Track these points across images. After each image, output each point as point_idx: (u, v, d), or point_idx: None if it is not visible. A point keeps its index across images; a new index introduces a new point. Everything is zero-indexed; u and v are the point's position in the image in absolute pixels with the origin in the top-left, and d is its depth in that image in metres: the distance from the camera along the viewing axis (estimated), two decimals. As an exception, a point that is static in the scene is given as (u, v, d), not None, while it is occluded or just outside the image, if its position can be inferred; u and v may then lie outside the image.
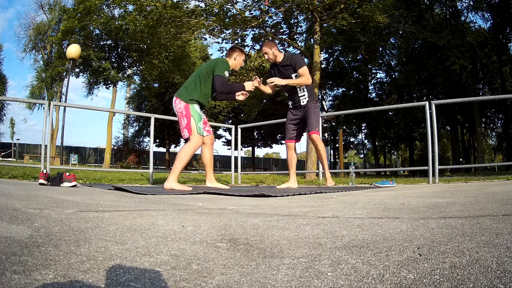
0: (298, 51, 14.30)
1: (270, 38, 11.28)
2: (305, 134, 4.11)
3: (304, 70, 3.63)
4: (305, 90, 3.76)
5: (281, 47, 14.01)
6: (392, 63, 22.26)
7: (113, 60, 19.55)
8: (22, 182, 3.79)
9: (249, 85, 3.56)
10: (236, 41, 11.65)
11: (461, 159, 21.71)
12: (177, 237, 0.99)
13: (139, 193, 2.71)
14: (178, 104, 3.38)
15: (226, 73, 3.39)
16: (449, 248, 0.81)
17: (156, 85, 21.58)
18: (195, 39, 16.79)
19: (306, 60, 15.13)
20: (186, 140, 3.39)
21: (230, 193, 2.82)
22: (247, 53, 3.58)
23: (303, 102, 3.78)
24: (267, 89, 3.85)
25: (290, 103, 3.93)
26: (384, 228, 1.10)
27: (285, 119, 4.03)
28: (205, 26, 10.32)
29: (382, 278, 0.63)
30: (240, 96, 3.66)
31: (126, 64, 19.94)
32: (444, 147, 36.02)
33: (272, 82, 3.68)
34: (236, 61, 3.58)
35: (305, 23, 12.80)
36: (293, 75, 3.68)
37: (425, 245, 0.85)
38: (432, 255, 0.76)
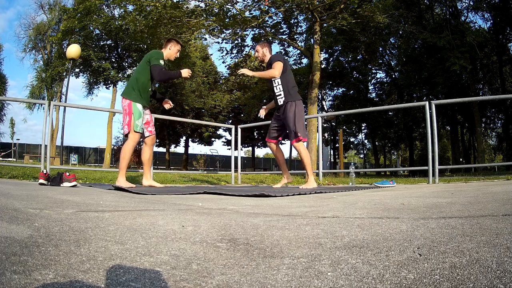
0: (298, 51, 14.33)
1: (270, 38, 11.28)
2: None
3: (275, 64, 3.62)
4: (281, 89, 3.67)
5: (281, 47, 14.02)
6: (392, 63, 22.24)
7: (113, 60, 19.54)
8: (22, 182, 3.79)
9: (185, 72, 3.61)
10: (236, 41, 11.67)
11: (461, 159, 21.70)
12: (177, 237, 0.99)
13: (139, 193, 2.72)
14: (123, 102, 3.59)
15: (161, 62, 3.58)
16: (449, 248, 0.81)
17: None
18: (195, 39, 16.78)
19: (306, 60, 15.18)
20: (126, 136, 3.58)
21: (230, 193, 2.82)
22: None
23: (279, 102, 3.70)
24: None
25: None
26: (384, 228, 1.10)
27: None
28: (205, 26, 10.33)
29: (382, 278, 0.63)
30: (185, 73, 3.67)
31: (126, 64, 19.93)
32: (444, 147, 36.02)
33: (241, 73, 3.69)
34: (170, 50, 3.70)
35: (305, 23, 12.80)
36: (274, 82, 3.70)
37: (425, 245, 0.85)
38: (432, 255, 0.76)
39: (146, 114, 3.70)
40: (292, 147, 3.93)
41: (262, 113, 4.08)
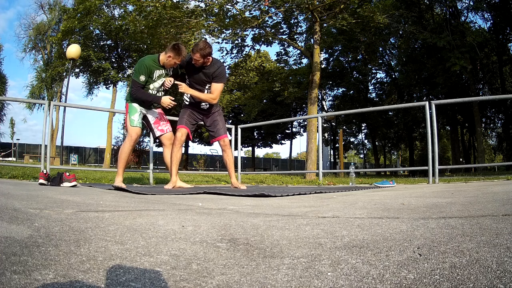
0: (298, 51, 14.33)
1: (270, 38, 11.26)
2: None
3: (218, 86, 3.43)
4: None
5: (281, 47, 14.02)
6: (392, 63, 22.24)
7: (113, 60, 19.56)
8: (22, 182, 3.79)
9: (166, 100, 3.37)
10: (236, 41, 11.67)
11: (461, 159, 21.70)
12: (177, 237, 0.99)
13: (139, 193, 2.72)
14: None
15: (142, 77, 3.29)
16: (449, 248, 0.81)
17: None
18: (195, 40, 16.78)
19: (306, 60, 15.17)
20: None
21: (230, 193, 2.82)
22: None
23: (202, 107, 3.65)
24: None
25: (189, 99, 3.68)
26: (384, 228, 1.10)
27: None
28: (205, 27, 10.34)
29: (382, 278, 0.63)
30: (165, 102, 3.42)
31: (126, 64, 19.95)
32: (444, 147, 36.03)
33: (181, 87, 3.42)
34: (167, 61, 3.34)
35: (305, 23, 12.80)
36: (207, 86, 3.48)
37: (425, 245, 0.85)
38: (432, 255, 0.76)
39: (153, 113, 3.60)
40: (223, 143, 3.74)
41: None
